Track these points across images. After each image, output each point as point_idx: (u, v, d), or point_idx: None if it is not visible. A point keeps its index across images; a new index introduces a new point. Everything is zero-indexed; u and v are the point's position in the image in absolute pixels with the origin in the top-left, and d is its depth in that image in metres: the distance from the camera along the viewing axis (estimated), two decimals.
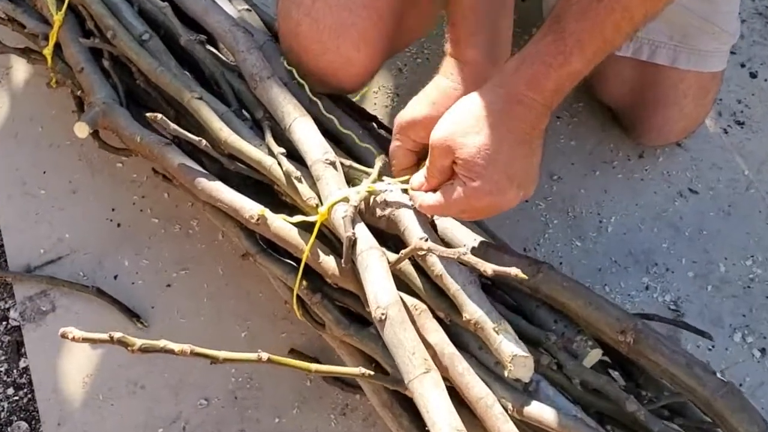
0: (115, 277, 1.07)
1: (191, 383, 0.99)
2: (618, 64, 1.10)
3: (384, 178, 0.83)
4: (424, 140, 0.78)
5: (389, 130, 0.97)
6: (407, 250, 0.73)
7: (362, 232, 0.75)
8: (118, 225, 1.11)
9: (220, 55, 0.96)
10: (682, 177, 1.20)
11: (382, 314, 0.69)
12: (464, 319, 0.73)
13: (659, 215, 1.16)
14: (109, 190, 1.13)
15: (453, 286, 0.74)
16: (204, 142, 0.84)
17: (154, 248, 1.09)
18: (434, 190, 0.78)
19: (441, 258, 0.72)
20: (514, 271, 0.60)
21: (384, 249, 0.76)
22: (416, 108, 0.81)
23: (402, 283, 0.79)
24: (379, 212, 0.80)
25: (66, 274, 1.06)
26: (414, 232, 0.77)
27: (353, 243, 0.74)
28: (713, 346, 1.03)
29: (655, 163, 1.20)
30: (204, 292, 1.06)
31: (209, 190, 0.84)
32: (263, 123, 0.87)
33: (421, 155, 0.80)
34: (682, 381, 0.68)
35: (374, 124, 0.98)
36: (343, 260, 0.75)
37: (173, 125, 0.82)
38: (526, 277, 0.62)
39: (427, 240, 0.75)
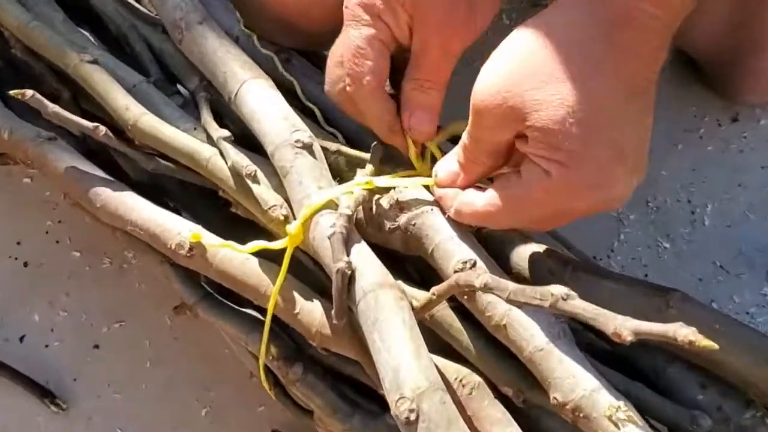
0: (22, 339, 0.78)
1: None
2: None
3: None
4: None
5: None
6: (443, 287, 0.41)
7: (364, 258, 0.44)
8: (25, 264, 0.82)
9: (137, 5, 0.64)
10: None
11: (411, 411, 0.37)
12: (553, 400, 0.42)
13: None
14: (12, 217, 0.83)
15: (529, 344, 0.42)
16: (102, 129, 0.52)
17: (75, 294, 0.79)
18: (474, 185, 0.47)
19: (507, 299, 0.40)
20: (690, 336, 0.28)
21: (402, 285, 0.44)
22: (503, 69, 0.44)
23: (436, 340, 0.47)
24: (388, 223, 0.48)
25: None
26: (451, 252, 0.45)
27: (349, 279, 0.42)
28: None
29: (756, 128, 0.90)
30: (146, 354, 0.76)
31: (111, 206, 0.52)
32: (198, 95, 0.55)
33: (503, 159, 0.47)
34: None
35: None
36: (333, 311, 0.43)
37: (51, 105, 0.51)
38: (717, 347, 0.29)
39: (475, 265, 0.44)
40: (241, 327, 0.54)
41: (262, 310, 0.53)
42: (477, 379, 0.46)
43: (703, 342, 0.28)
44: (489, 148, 0.45)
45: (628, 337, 0.30)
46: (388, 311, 0.41)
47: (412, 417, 0.37)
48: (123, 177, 0.59)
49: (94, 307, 0.78)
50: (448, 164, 0.48)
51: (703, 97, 0.90)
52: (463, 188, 0.47)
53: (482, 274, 0.38)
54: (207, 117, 0.53)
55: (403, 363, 0.39)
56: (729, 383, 0.45)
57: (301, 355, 0.52)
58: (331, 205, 0.46)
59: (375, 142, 0.51)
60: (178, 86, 0.62)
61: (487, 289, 0.37)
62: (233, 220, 0.57)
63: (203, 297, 0.55)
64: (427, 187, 0.49)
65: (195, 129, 0.54)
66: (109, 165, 0.58)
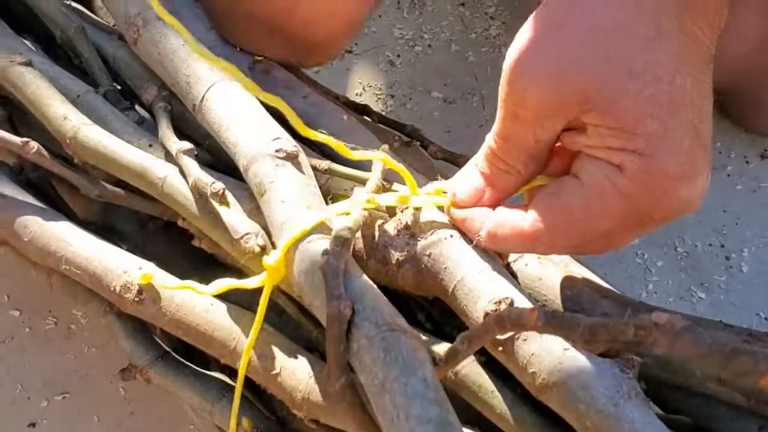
0: None
1: None
2: (736, 6, 0.72)
3: (395, 186, 0.40)
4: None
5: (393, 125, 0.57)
6: (478, 329, 0.30)
7: (368, 296, 0.32)
8: None
9: (86, 11, 0.55)
10: None
11: None
12: None
13: None
14: None
15: (590, 409, 0.31)
16: (34, 145, 0.42)
17: (10, 361, 0.66)
18: (503, 202, 0.37)
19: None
20: None
21: (417, 334, 0.32)
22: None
23: (462, 407, 0.35)
24: (396, 254, 0.37)
25: None
26: (481, 290, 0.34)
27: (348, 324, 0.31)
28: None
29: None
30: (95, 431, 0.61)
31: (41, 240, 0.41)
32: (156, 106, 0.45)
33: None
34: None
35: (367, 117, 0.57)
36: (327, 369, 0.32)
37: None
38: None
39: (512, 304, 0.33)
40: (205, 395, 0.42)
41: (232, 373, 0.41)
42: None
43: None
44: (527, 150, 0.34)
45: None
46: (402, 366, 0.30)
47: None
48: (68, 216, 0.48)
49: (32, 376, 0.65)
50: (468, 178, 0.37)
51: (727, 132, 0.83)
52: (492, 207, 0.37)
53: (537, 309, 0.27)
54: (165, 129, 0.43)
55: None
56: None
57: (283, 430, 0.40)
58: (323, 230, 0.36)
59: (374, 161, 0.41)
60: (135, 107, 0.52)
61: (547, 329, 0.26)
62: (198, 262, 0.46)
63: (158, 357, 0.43)
64: (441, 209, 0.39)
65: (151, 146, 0.44)
66: (50, 202, 0.47)
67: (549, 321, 0.26)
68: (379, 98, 0.84)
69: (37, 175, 0.50)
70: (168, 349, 0.44)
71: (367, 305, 0.32)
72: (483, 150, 0.37)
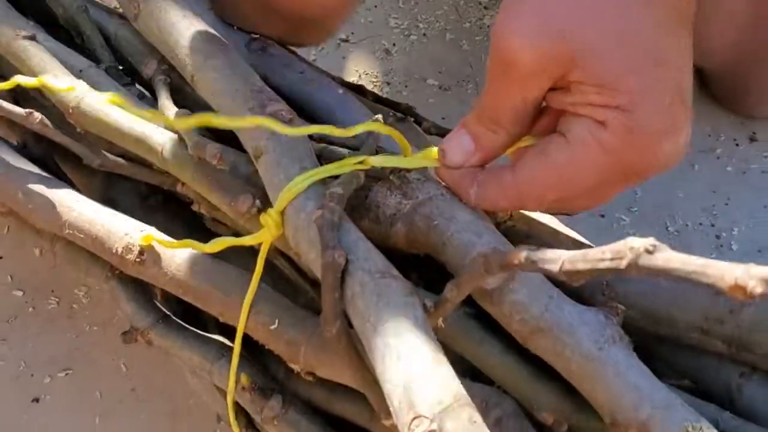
0: None
1: None
2: None
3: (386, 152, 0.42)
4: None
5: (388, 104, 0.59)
6: (464, 276, 0.32)
7: (360, 246, 0.34)
8: None
9: None
10: None
11: None
12: (610, 425, 0.32)
13: None
14: None
15: (574, 353, 0.33)
16: (37, 116, 0.43)
17: (14, 340, 0.67)
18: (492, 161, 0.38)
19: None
20: None
21: (409, 282, 0.34)
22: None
23: (452, 357, 0.36)
24: (388, 212, 0.39)
25: None
26: (470, 244, 0.36)
27: (343, 273, 0.33)
28: None
29: None
30: (96, 407, 0.64)
31: (46, 207, 0.42)
32: (156, 79, 0.46)
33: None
34: None
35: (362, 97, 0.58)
36: (323, 315, 0.33)
37: None
38: None
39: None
40: (205, 354, 0.43)
41: (231, 335, 0.42)
42: (506, 403, 0.35)
43: None
44: (516, 109, 0.36)
45: (758, 289, 0.21)
46: (394, 308, 0.31)
47: None
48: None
49: (35, 354, 0.66)
50: (458, 140, 0.38)
51: (717, 115, 0.84)
52: (480, 166, 0.38)
53: (520, 251, 0.28)
54: (165, 100, 0.44)
55: (417, 373, 0.29)
56: None
57: (280, 385, 0.41)
58: (318, 188, 0.37)
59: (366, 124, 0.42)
60: (136, 84, 0.53)
61: (529, 263, 0.27)
62: (199, 235, 0.47)
63: (159, 320, 0.44)
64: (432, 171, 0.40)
65: (151, 119, 0.45)
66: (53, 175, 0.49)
67: (532, 258, 0.28)
68: (375, 86, 0.86)
69: (40, 150, 0.51)
70: (168, 313, 0.45)
71: (360, 256, 0.33)
72: (471, 113, 0.38)
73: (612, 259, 0.24)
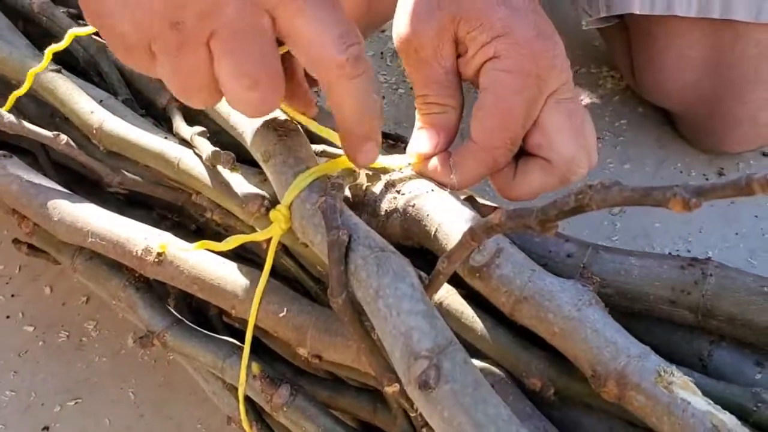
0: None
1: None
2: (680, 40, 0.79)
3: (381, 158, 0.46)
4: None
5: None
6: (453, 248, 0.35)
7: (360, 227, 0.38)
8: None
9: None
10: None
11: (430, 370, 0.30)
12: (591, 377, 0.35)
13: None
14: None
15: (556, 316, 0.36)
16: (64, 138, 0.48)
17: (25, 371, 0.70)
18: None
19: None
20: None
21: (405, 258, 0.38)
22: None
23: None
24: (384, 206, 0.43)
25: None
26: (458, 232, 0.40)
27: (346, 248, 0.36)
28: None
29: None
30: None
31: (69, 218, 0.46)
32: (170, 107, 0.51)
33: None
34: None
35: None
36: (330, 287, 0.37)
37: (7, 115, 0.46)
38: None
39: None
40: (216, 352, 0.46)
41: (239, 337, 0.46)
42: (498, 372, 0.39)
43: None
44: (443, 83, 0.43)
45: (693, 204, 0.24)
46: (393, 275, 0.35)
47: (432, 378, 0.30)
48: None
49: (45, 384, 0.68)
50: (419, 135, 0.45)
51: (684, 151, 0.89)
52: (447, 147, 0.45)
53: (498, 212, 0.32)
54: (179, 123, 0.49)
55: (415, 325, 0.33)
56: None
57: (291, 375, 0.45)
58: (321, 184, 0.41)
59: None
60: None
61: (509, 223, 0.31)
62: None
63: (173, 323, 0.48)
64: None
65: (166, 138, 0.50)
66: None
67: (510, 216, 0.32)
68: None
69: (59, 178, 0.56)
70: (181, 318, 0.49)
71: (361, 235, 0.37)
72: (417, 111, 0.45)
73: (577, 199, 0.28)
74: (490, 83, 0.41)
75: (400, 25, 0.43)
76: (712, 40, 0.76)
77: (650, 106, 0.92)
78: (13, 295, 0.74)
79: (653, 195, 0.26)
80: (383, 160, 0.44)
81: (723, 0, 0.74)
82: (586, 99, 0.97)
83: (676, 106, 0.86)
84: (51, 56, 0.51)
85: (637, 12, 0.76)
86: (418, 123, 0.45)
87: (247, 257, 0.50)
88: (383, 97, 0.96)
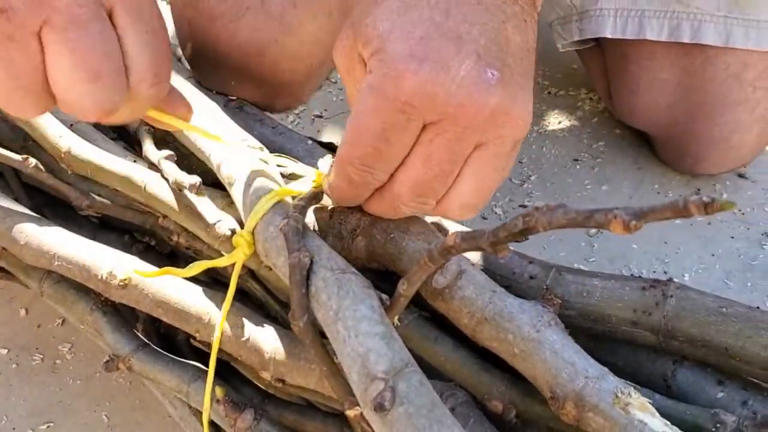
0: None
1: None
2: (652, 63, 0.80)
3: None
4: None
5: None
6: (414, 270, 0.36)
7: (322, 249, 0.38)
8: None
9: None
10: (759, 215, 0.89)
11: (385, 393, 0.30)
12: (550, 399, 0.35)
13: (748, 265, 0.84)
14: None
15: (516, 337, 0.37)
16: (32, 161, 0.48)
17: None
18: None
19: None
20: (704, 198, 0.24)
21: (366, 279, 0.38)
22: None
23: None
24: (349, 226, 0.43)
25: None
26: (423, 252, 0.40)
27: (308, 271, 0.37)
28: None
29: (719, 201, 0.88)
30: None
31: (36, 243, 0.46)
32: (140, 130, 0.51)
33: None
34: None
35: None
36: (291, 311, 0.37)
37: None
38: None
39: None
40: (182, 377, 0.46)
41: (204, 359, 0.46)
42: (460, 394, 0.39)
43: (722, 201, 0.23)
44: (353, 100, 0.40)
45: (633, 226, 0.25)
46: (353, 296, 0.35)
47: (387, 400, 0.30)
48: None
49: (17, 408, 0.68)
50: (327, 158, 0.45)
51: (662, 172, 0.90)
52: None
53: (453, 235, 0.33)
54: (148, 146, 0.49)
55: (373, 347, 0.33)
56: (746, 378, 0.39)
57: (257, 400, 0.44)
58: (285, 207, 0.41)
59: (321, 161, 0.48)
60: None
61: (463, 244, 0.32)
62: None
63: (139, 347, 0.47)
64: None
65: (135, 162, 0.50)
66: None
67: (464, 238, 0.32)
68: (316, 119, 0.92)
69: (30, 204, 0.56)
70: (147, 342, 0.48)
71: (323, 257, 0.38)
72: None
73: (524, 221, 0.28)
74: (357, 97, 0.39)
75: (334, 50, 0.41)
76: (683, 64, 0.77)
77: (628, 128, 0.93)
78: None
79: (595, 217, 0.26)
80: (293, 186, 0.44)
81: (693, 24, 0.75)
82: (564, 121, 0.98)
83: (651, 128, 0.86)
84: None
85: (609, 36, 0.77)
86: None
87: (217, 279, 0.50)
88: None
